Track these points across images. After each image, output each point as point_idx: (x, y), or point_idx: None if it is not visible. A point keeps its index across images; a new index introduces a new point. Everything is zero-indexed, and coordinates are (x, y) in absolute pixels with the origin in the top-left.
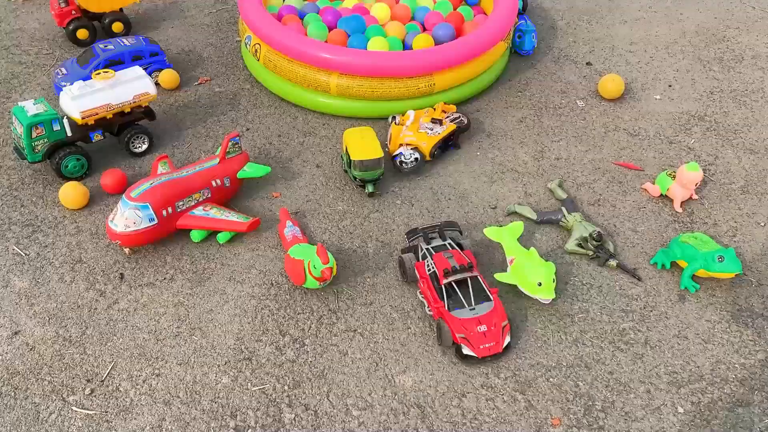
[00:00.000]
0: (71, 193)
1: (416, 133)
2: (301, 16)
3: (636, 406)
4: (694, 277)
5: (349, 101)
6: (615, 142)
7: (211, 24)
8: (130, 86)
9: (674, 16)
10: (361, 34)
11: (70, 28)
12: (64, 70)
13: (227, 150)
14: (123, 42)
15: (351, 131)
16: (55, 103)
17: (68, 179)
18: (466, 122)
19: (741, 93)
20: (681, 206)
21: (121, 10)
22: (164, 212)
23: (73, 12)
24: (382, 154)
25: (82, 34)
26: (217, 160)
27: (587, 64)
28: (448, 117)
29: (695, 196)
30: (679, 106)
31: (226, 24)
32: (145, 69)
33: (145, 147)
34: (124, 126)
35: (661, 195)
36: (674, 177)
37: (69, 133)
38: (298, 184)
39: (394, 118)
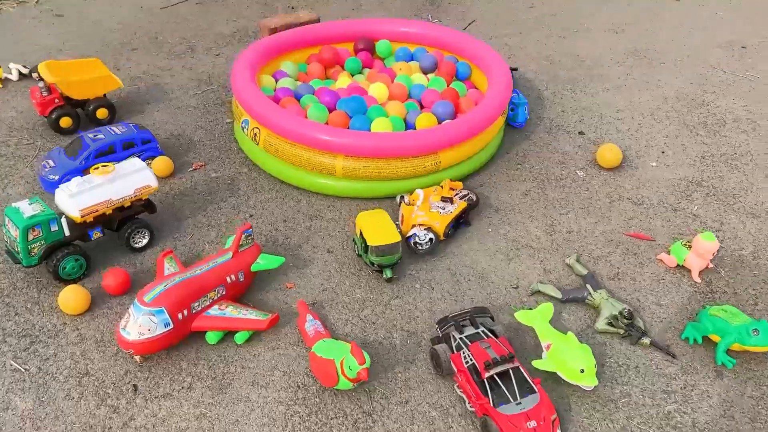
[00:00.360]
0: (71, 297)
1: (428, 212)
2: (297, 98)
3: None
4: (728, 351)
5: (355, 182)
6: (621, 212)
7: (197, 106)
8: (130, 179)
9: (653, 82)
10: (363, 115)
11: (53, 116)
12: (51, 162)
13: (240, 243)
14: (113, 130)
15: (364, 215)
16: (43, 196)
17: (66, 282)
18: (475, 199)
19: (731, 157)
20: (699, 276)
21: (104, 95)
22: (180, 315)
23: (56, 100)
24: (400, 238)
25: (65, 122)
26: (230, 254)
27: (580, 133)
28: (457, 194)
29: (711, 265)
30: (675, 172)
31: (213, 105)
32: (137, 157)
33: (145, 241)
34: (124, 221)
35: (678, 265)
36: (689, 247)
37: (67, 233)
38: (311, 273)
39: (402, 197)
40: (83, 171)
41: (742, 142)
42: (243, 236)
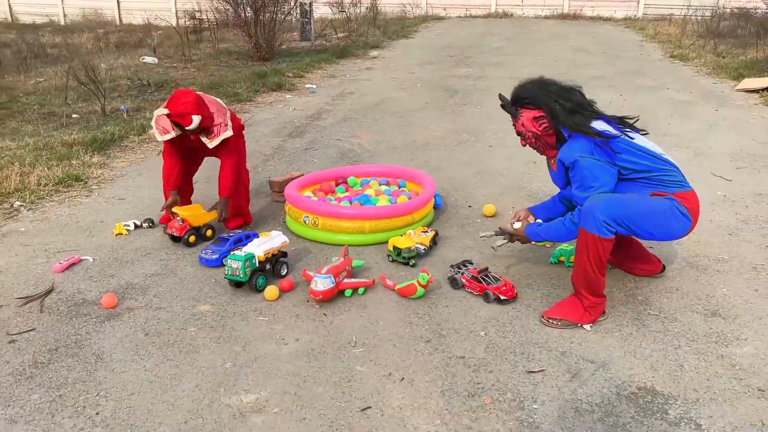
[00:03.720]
0: (272, 291)
1: (419, 237)
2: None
3: None
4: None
5: (377, 235)
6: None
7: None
8: (277, 239)
9: None
10: (369, 202)
11: (186, 236)
12: (209, 251)
13: (345, 253)
14: (235, 233)
15: (392, 238)
16: (205, 269)
17: (259, 291)
18: (436, 231)
19: None
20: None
21: (208, 222)
22: (336, 280)
23: (187, 226)
24: (415, 243)
25: (192, 239)
26: (343, 258)
27: (469, 206)
28: (428, 230)
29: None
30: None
31: (264, 216)
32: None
33: (285, 271)
34: (274, 261)
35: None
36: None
37: (257, 265)
38: (370, 269)
39: (401, 235)
40: (229, 251)
41: None
42: (346, 250)
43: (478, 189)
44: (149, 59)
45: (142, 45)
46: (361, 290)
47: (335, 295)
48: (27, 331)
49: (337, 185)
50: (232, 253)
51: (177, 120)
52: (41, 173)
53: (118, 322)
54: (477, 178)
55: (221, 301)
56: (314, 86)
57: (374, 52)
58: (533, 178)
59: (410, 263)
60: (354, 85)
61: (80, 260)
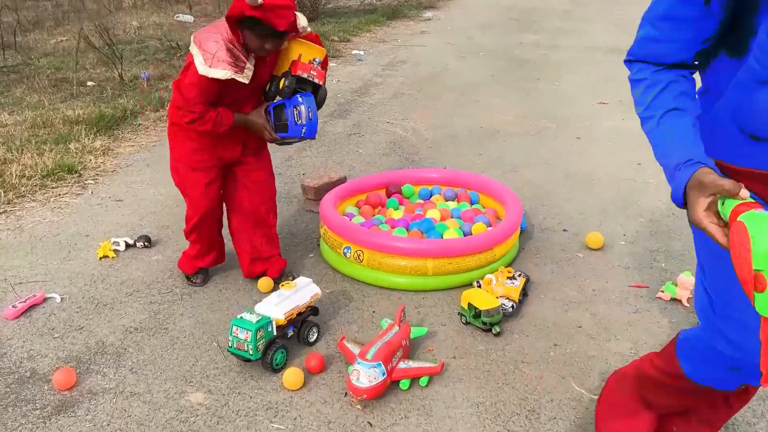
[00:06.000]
0: (293, 376)
1: (504, 288)
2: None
3: None
4: None
5: (439, 277)
6: (618, 275)
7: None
8: (304, 292)
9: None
10: (434, 230)
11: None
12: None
13: (401, 318)
14: None
15: (467, 292)
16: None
17: (275, 371)
18: (527, 276)
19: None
20: (687, 302)
21: None
22: (388, 367)
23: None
24: (500, 303)
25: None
26: (397, 327)
27: (564, 230)
28: (515, 274)
29: (690, 295)
30: (640, 245)
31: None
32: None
33: (315, 337)
34: (300, 322)
35: (672, 299)
36: (676, 284)
37: (275, 333)
38: (440, 339)
39: (479, 282)
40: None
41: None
42: (402, 314)
43: (570, 202)
44: (184, 17)
45: (184, 1)
46: (423, 380)
47: (387, 389)
48: None
49: (388, 196)
50: (239, 316)
51: (272, 20)
52: (28, 161)
53: (69, 421)
54: (566, 184)
55: (221, 387)
56: (362, 53)
57: (428, 13)
58: (642, 188)
59: (493, 331)
60: (406, 51)
61: (44, 299)
